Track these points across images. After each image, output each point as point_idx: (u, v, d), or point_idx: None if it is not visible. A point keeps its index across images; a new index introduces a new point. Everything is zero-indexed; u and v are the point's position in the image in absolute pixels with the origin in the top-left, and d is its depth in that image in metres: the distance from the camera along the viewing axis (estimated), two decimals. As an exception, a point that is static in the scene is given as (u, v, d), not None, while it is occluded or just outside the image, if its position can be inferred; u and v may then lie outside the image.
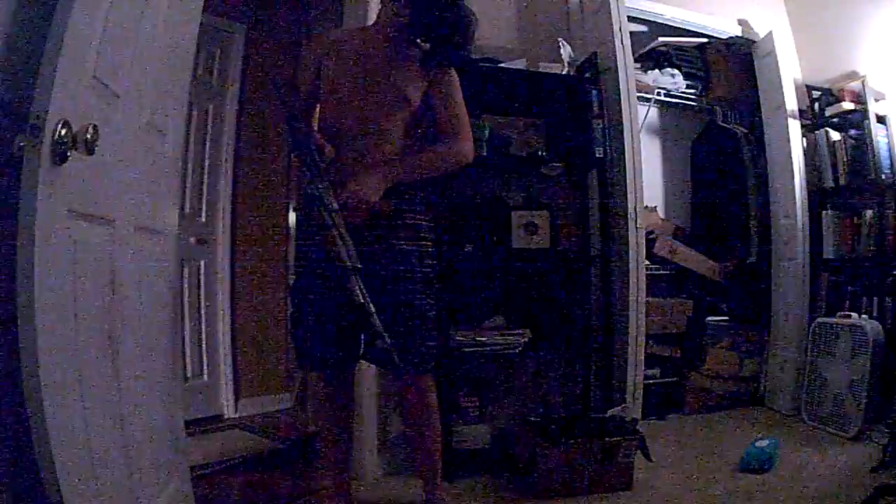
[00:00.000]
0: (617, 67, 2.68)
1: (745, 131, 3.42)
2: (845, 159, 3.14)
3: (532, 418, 2.30)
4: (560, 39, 2.67)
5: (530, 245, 2.56)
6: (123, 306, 1.25)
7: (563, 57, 2.62)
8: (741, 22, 3.38)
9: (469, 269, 2.53)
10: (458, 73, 1.81)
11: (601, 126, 2.60)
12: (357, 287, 1.54)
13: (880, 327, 2.71)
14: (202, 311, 3.17)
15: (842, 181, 3.17)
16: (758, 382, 3.27)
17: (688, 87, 3.45)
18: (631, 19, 2.89)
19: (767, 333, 3.28)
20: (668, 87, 3.38)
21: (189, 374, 3.05)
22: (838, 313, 2.90)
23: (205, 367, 3.16)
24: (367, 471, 2.29)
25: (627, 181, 2.65)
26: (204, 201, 3.21)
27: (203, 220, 3.22)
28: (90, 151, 0.97)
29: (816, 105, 3.31)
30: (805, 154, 3.21)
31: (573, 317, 2.65)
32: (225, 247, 3.27)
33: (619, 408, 2.41)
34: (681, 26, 3.27)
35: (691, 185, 3.61)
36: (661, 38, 3.29)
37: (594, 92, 2.60)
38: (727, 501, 2.03)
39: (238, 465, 2.41)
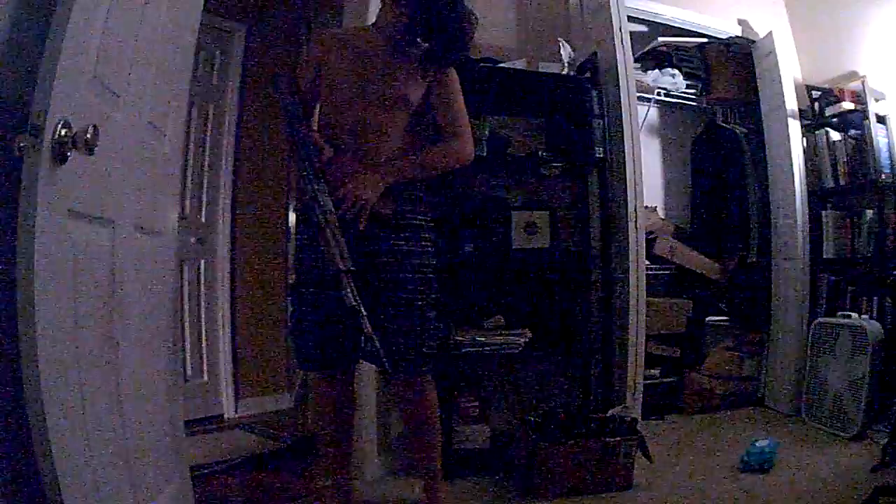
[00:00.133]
0: (617, 67, 2.68)
1: (745, 131, 3.42)
2: (845, 159, 3.14)
3: (532, 418, 2.29)
4: (560, 39, 2.67)
5: (530, 245, 2.56)
6: (123, 306, 1.25)
7: (563, 57, 2.62)
8: (741, 22, 3.38)
9: (469, 269, 2.52)
10: (457, 72, 1.81)
11: (601, 126, 2.60)
12: (349, 288, 1.54)
13: (880, 327, 2.72)
14: (202, 311, 3.17)
15: (842, 181, 3.16)
16: (758, 382, 3.27)
17: (688, 87, 3.45)
18: (631, 19, 2.89)
19: (767, 333, 3.28)
20: (668, 87, 3.38)
21: (189, 374, 3.05)
22: (838, 313, 2.90)
23: (205, 367, 3.16)
24: (367, 471, 2.29)
25: (627, 181, 2.65)
26: (204, 201, 3.21)
27: (203, 220, 3.22)
28: (90, 151, 0.97)
29: (816, 105, 3.31)
30: (805, 154, 3.20)
31: (573, 317, 2.65)
32: (225, 247, 3.27)
33: (620, 408, 2.41)
34: (681, 26, 3.27)
35: (691, 185, 3.62)
36: (661, 38, 3.29)
37: (594, 92, 2.60)
38: (727, 501, 2.03)
39: (238, 465, 2.41)
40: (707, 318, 3.34)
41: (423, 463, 1.86)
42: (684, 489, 2.13)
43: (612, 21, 2.69)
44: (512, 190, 2.68)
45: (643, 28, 3.27)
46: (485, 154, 2.41)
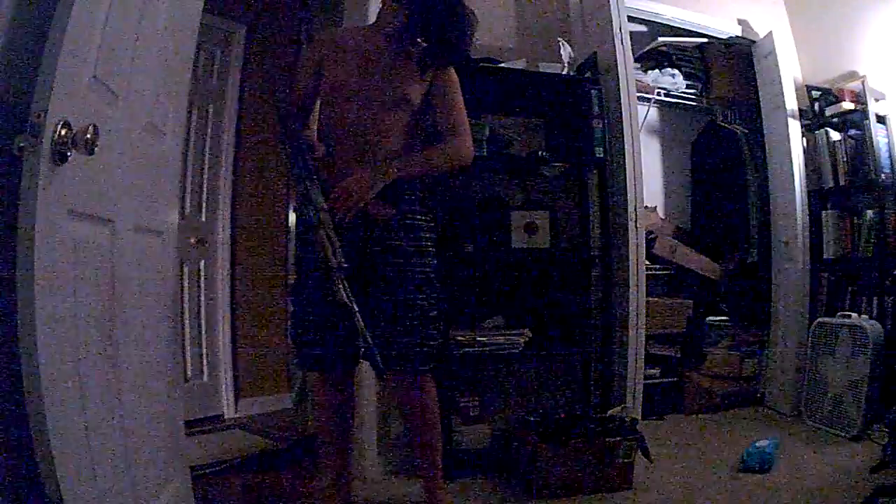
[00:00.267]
0: (617, 67, 2.68)
1: (745, 131, 3.42)
2: (845, 159, 3.14)
3: (532, 418, 2.29)
4: (560, 39, 2.67)
5: (530, 245, 2.56)
6: (123, 306, 1.25)
7: (563, 57, 2.62)
8: (741, 22, 3.38)
9: (469, 269, 2.52)
10: (457, 72, 1.81)
11: (601, 126, 2.60)
12: (341, 286, 1.55)
13: (880, 327, 2.72)
14: (202, 311, 3.17)
15: (842, 181, 3.16)
16: (758, 382, 3.27)
17: (688, 87, 3.45)
18: (631, 19, 2.89)
19: (767, 334, 3.28)
20: (668, 87, 3.38)
21: (189, 374, 3.05)
22: (838, 313, 2.91)
23: (205, 367, 3.17)
24: (367, 471, 2.29)
25: (627, 181, 2.65)
26: (204, 201, 3.21)
27: (203, 220, 3.22)
28: (90, 151, 0.97)
29: (816, 105, 3.31)
30: (805, 154, 3.21)
31: (573, 317, 2.65)
32: (225, 247, 3.28)
33: (619, 408, 2.41)
34: (681, 26, 3.27)
35: (691, 185, 3.62)
36: (661, 38, 3.29)
37: (594, 92, 2.60)
38: (727, 501, 2.03)
39: (238, 465, 2.41)
40: (707, 318, 3.34)
41: (423, 463, 1.86)
42: (684, 489, 2.13)
43: (612, 21, 2.69)
44: (512, 190, 2.68)
45: (643, 28, 3.27)
46: (485, 154, 2.41)
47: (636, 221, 2.65)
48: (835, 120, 3.23)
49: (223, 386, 3.23)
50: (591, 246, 2.66)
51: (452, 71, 1.79)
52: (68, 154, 0.94)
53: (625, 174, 2.65)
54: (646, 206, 2.90)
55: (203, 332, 3.17)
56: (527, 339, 2.41)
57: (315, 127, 1.88)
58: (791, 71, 3.29)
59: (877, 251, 2.98)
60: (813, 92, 3.33)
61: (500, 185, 2.66)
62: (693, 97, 3.48)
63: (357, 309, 1.55)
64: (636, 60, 3.13)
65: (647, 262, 2.90)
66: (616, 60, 2.68)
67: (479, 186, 2.61)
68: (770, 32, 3.26)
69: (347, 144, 1.71)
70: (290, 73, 1.87)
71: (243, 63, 3.34)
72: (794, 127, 3.17)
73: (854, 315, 2.80)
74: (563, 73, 2.62)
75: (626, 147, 2.65)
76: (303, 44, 3.27)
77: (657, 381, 3.09)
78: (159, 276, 1.51)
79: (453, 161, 1.77)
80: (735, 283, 3.37)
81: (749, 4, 3.43)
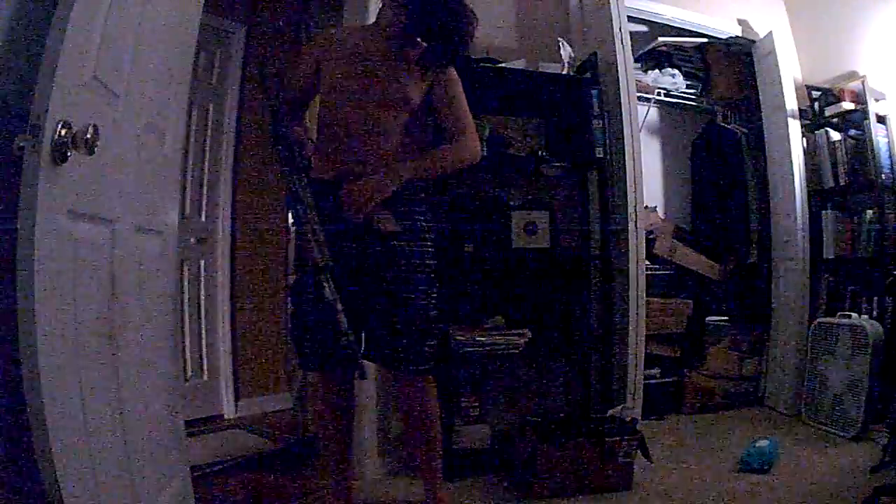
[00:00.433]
0: (617, 67, 2.68)
1: (745, 131, 3.42)
2: (845, 159, 3.14)
3: (532, 418, 2.29)
4: (560, 39, 2.67)
5: (530, 245, 2.56)
6: (123, 306, 1.24)
7: (563, 57, 2.62)
8: (741, 22, 3.38)
9: (469, 269, 2.52)
10: (457, 72, 1.81)
11: (601, 126, 2.60)
12: (326, 284, 1.55)
13: (880, 327, 2.71)
14: (202, 311, 3.17)
15: (842, 181, 3.16)
16: (758, 382, 3.27)
17: (688, 87, 3.45)
18: (631, 19, 2.89)
19: (767, 333, 3.28)
20: (668, 87, 3.38)
21: (189, 374, 3.05)
22: (838, 313, 2.90)
23: (205, 367, 3.17)
24: (367, 471, 2.29)
25: (627, 181, 2.65)
26: (204, 201, 3.21)
27: (203, 220, 3.22)
28: (90, 151, 0.97)
29: (816, 105, 3.31)
30: (805, 154, 3.20)
31: (573, 317, 2.65)
32: (225, 247, 3.27)
33: (619, 408, 2.41)
34: (681, 26, 3.27)
35: (691, 185, 3.62)
36: (661, 38, 3.29)
37: (594, 92, 2.60)
38: (727, 501, 2.03)
39: (238, 465, 2.41)
40: (707, 318, 3.34)
41: (423, 463, 1.86)
42: (684, 489, 2.13)
43: (612, 21, 2.69)
44: (512, 190, 2.68)
45: (643, 28, 3.27)
46: (485, 154, 2.41)
47: (636, 221, 2.65)
48: (835, 120, 3.23)
49: (223, 386, 3.22)
50: (591, 246, 2.66)
51: (453, 70, 1.79)
52: (68, 154, 0.94)
53: (625, 174, 2.65)
54: (646, 206, 2.90)
55: (203, 332, 3.17)
56: (527, 339, 2.41)
57: (307, 124, 1.88)
58: (791, 71, 3.29)
59: (877, 251, 2.98)
60: (813, 92, 3.34)
61: (500, 185, 2.66)
62: (693, 97, 3.48)
63: (341, 308, 1.55)
64: (636, 60, 3.13)
65: (647, 262, 2.89)
66: (616, 60, 2.68)
67: (480, 186, 2.61)
68: (770, 32, 3.26)
69: (346, 144, 1.71)
70: (283, 68, 1.87)
71: (243, 63, 3.34)
72: (794, 127, 3.17)
73: (854, 315, 2.80)
74: (563, 73, 2.62)
75: (626, 147, 2.65)
76: (303, 44, 3.27)
77: (657, 381, 3.09)
78: (159, 276, 1.51)
79: (463, 160, 1.78)
80: (735, 283, 3.36)
81: (749, 4, 3.43)
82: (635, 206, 2.66)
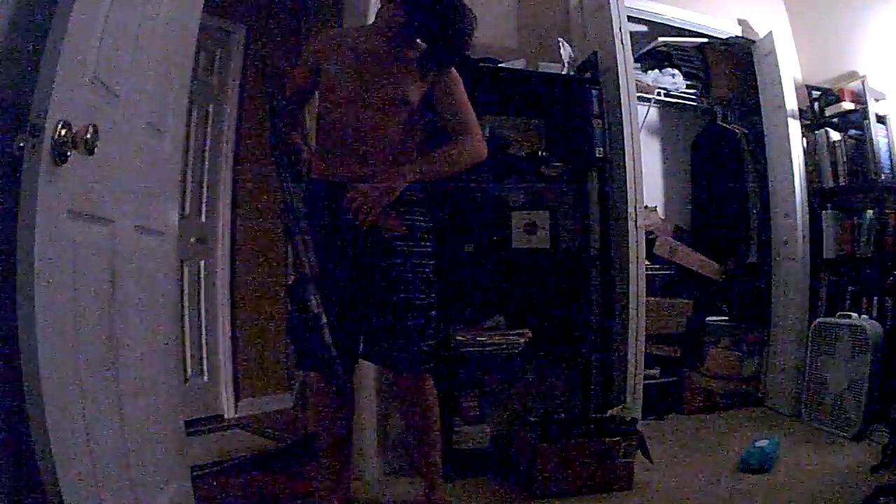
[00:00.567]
0: (617, 67, 2.68)
1: (745, 131, 3.42)
2: (845, 159, 3.14)
3: (532, 418, 2.29)
4: (560, 39, 2.67)
5: (530, 245, 2.56)
6: (123, 306, 1.24)
7: (563, 57, 2.62)
8: (741, 22, 3.38)
9: (469, 269, 2.52)
10: (457, 72, 1.81)
11: (601, 126, 2.60)
12: (312, 296, 1.56)
13: (880, 327, 2.71)
14: (202, 311, 3.17)
15: (842, 181, 3.16)
16: (758, 382, 3.27)
17: (688, 87, 3.45)
18: (631, 19, 2.89)
19: (767, 333, 3.28)
20: (668, 87, 3.37)
21: (189, 374, 3.05)
22: (838, 313, 2.90)
23: (205, 367, 3.16)
24: (367, 471, 2.29)
25: (627, 181, 2.65)
26: (204, 201, 3.21)
27: (203, 220, 3.22)
28: (90, 151, 0.97)
29: (816, 105, 3.31)
30: (805, 154, 3.20)
31: (573, 317, 2.65)
32: (225, 247, 3.27)
33: (619, 408, 2.41)
34: (681, 26, 3.27)
35: (691, 185, 3.61)
36: (661, 38, 3.29)
37: (594, 92, 2.60)
38: (727, 501, 2.03)
39: (238, 465, 2.41)
40: (707, 318, 3.34)
41: (423, 462, 1.87)
42: (684, 489, 2.13)
43: (612, 21, 2.69)
44: (512, 190, 2.67)
45: (643, 28, 3.27)
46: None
47: (636, 221, 2.65)
48: (835, 120, 3.23)
49: (223, 386, 3.22)
50: (591, 246, 2.65)
51: (453, 70, 1.79)
52: (68, 154, 0.94)
53: (625, 174, 2.65)
54: (646, 206, 2.90)
55: (203, 332, 3.17)
56: (527, 339, 2.41)
57: (307, 128, 1.88)
58: (791, 71, 3.28)
59: (877, 251, 2.98)
60: (813, 92, 3.33)
61: (500, 185, 2.66)
62: (693, 97, 3.47)
63: (325, 321, 1.56)
64: (636, 60, 3.13)
65: (647, 262, 2.89)
66: (616, 60, 2.68)
67: (479, 186, 2.61)
68: (770, 32, 3.26)
69: (346, 144, 1.72)
70: (285, 69, 1.87)
71: (243, 63, 3.34)
72: (794, 127, 3.17)
73: (854, 315, 2.80)
74: (563, 73, 2.62)
75: (626, 147, 2.65)
76: (303, 44, 3.27)
77: (657, 381, 3.09)
78: (159, 276, 1.51)
79: (468, 160, 1.78)
80: (735, 283, 3.36)
81: (749, 4, 3.43)
82: (635, 206, 2.66)
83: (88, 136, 0.96)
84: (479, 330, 2.41)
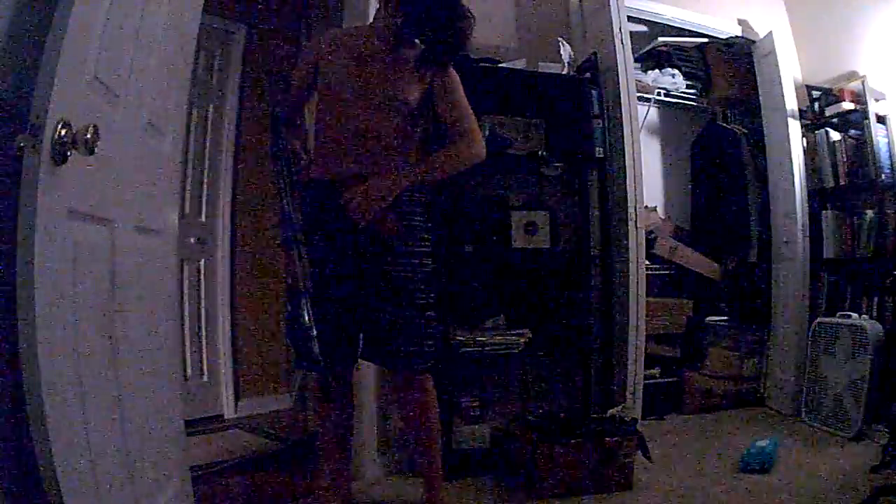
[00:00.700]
0: (617, 67, 2.68)
1: (745, 131, 3.42)
2: (845, 159, 3.14)
3: (532, 418, 2.29)
4: (560, 39, 2.67)
5: (530, 245, 2.56)
6: (123, 306, 1.24)
7: (563, 57, 2.62)
8: (741, 22, 3.38)
9: (469, 269, 2.52)
10: (457, 72, 1.81)
11: (601, 126, 2.60)
12: (305, 309, 1.56)
13: (880, 327, 2.71)
14: (202, 311, 3.17)
15: (842, 181, 3.16)
16: (758, 382, 3.27)
17: (688, 87, 3.45)
18: (631, 19, 2.89)
19: (767, 333, 3.28)
20: (668, 87, 3.38)
21: (189, 374, 3.05)
22: (838, 313, 2.90)
23: (205, 367, 3.16)
24: (367, 471, 2.29)
25: (627, 181, 2.65)
26: (204, 201, 3.21)
27: (203, 220, 3.22)
28: (90, 151, 0.97)
29: (816, 105, 3.31)
30: (805, 154, 3.20)
31: (573, 317, 2.65)
32: (225, 247, 3.27)
33: (619, 408, 2.41)
34: (681, 26, 3.27)
35: (691, 185, 3.62)
36: (661, 38, 3.29)
37: (594, 92, 2.60)
38: (727, 501, 2.03)
39: (238, 465, 2.41)
40: (707, 318, 3.34)
41: (423, 462, 1.86)
42: (684, 489, 2.13)
43: (612, 21, 2.69)
44: (512, 190, 2.68)
45: (643, 28, 3.27)
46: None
47: (636, 221, 2.66)
48: (835, 120, 3.23)
49: (223, 386, 3.22)
50: (591, 246, 2.65)
51: (453, 70, 1.79)
52: (68, 154, 0.94)
53: (625, 174, 2.65)
54: (646, 206, 2.90)
55: (203, 332, 3.17)
56: (527, 339, 2.41)
57: (305, 135, 1.88)
58: (791, 71, 3.29)
59: (877, 251, 2.98)
60: (813, 92, 3.33)
61: (500, 185, 2.66)
62: (693, 97, 3.48)
63: (315, 334, 1.56)
64: (636, 60, 3.13)
65: (647, 262, 2.90)
66: (616, 60, 2.68)
67: (480, 186, 2.61)
68: (770, 32, 3.26)
69: (344, 145, 1.71)
70: (288, 74, 1.87)
71: (243, 63, 3.34)
72: (794, 127, 3.17)
73: (854, 315, 2.80)
74: (563, 73, 2.62)
75: (626, 147, 2.65)
76: (303, 44, 3.27)
77: (657, 381, 3.09)
78: (159, 276, 1.51)
79: (467, 162, 1.78)
80: (735, 283, 3.36)
81: (749, 4, 3.43)
82: (635, 206, 2.66)
83: (88, 136, 0.96)
84: (479, 330, 2.41)
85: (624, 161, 2.65)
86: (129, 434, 1.25)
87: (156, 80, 1.39)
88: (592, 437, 2.12)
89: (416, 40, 1.74)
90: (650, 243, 3.10)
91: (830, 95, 3.26)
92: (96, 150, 0.98)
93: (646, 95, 3.24)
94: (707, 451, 2.53)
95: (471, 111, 1.80)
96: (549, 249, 2.59)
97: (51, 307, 0.94)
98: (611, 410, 2.39)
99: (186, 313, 3.02)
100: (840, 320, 2.81)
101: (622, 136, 2.66)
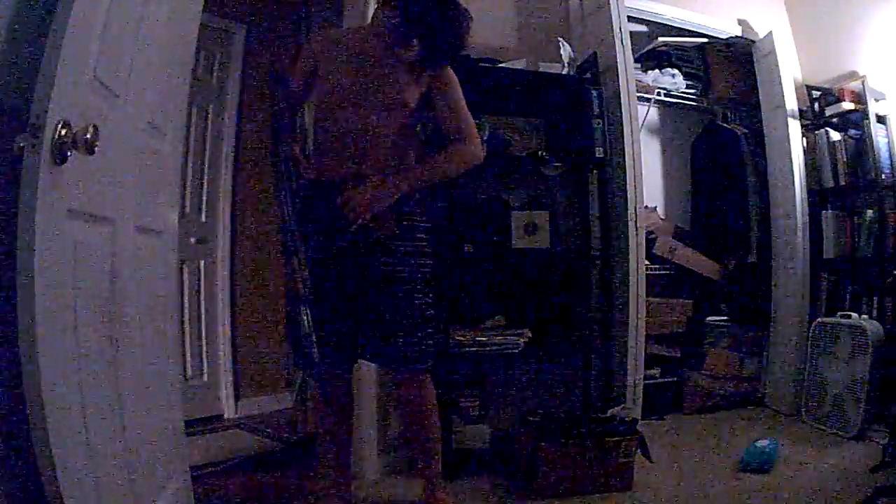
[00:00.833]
0: (617, 67, 2.68)
1: (745, 131, 3.42)
2: (845, 159, 3.14)
3: (532, 418, 2.29)
4: (560, 39, 2.67)
5: (530, 245, 2.56)
6: (123, 307, 1.25)
7: (563, 57, 2.62)
8: (741, 22, 3.38)
9: (469, 269, 2.52)
10: (457, 73, 1.81)
11: (601, 126, 2.60)
12: (305, 317, 1.56)
13: (880, 327, 2.71)
14: (202, 311, 3.17)
15: (842, 181, 3.16)
16: (758, 382, 3.27)
17: (688, 87, 3.45)
18: (631, 19, 2.89)
19: (767, 333, 3.28)
20: (668, 87, 3.37)
21: (189, 374, 3.05)
22: (838, 313, 2.90)
23: (205, 367, 3.16)
24: (367, 471, 2.29)
25: (627, 181, 2.65)
26: (204, 201, 3.21)
27: (203, 220, 3.22)
28: (90, 151, 0.97)
29: (816, 105, 3.31)
30: (805, 154, 3.20)
31: (573, 317, 2.65)
32: (225, 247, 3.27)
33: (619, 408, 2.41)
34: (681, 26, 3.27)
35: (691, 185, 3.61)
36: (661, 38, 3.29)
37: (594, 92, 2.60)
38: (727, 501, 2.03)
39: (238, 465, 2.41)
40: (707, 318, 3.34)
41: (422, 463, 1.87)
42: (684, 489, 2.13)
43: (612, 21, 2.69)
44: (512, 190, 2.68)
45: (643, 28, 3.27)
46: (485, 154, 2.40)
47: (636, 221, 2.65)
48: (835, 120, 3.23)
49: (223, 386, 3.22)
50: (591, 246, 2.65)
51: (451, 72, 1.79)
52: (68, 154, 0.94)
53: (625, 174, 2.65)
54: (646, 206, 2.90)
55: (203, 332, 3.17)
56: (527, 339, 2.41)
57: (304, 137, 1.89)
58: (791, 71, 3.28)
59: (877, 251, 2.98)
60: (813, 92, 3.33)
61: (500, 185, 2.66)
62: (693, 97, 3.47)
63: (314, 340, 1.56)
64: (636, 60, 3.13)
65: (647, 262, 2.89)
66: (616, 60, 2.68)
67: (480, 186, 2.61)
68: (770, 32, 3.26)
69: (342, 146, 1.71)
70: (288, 75, 1.87)
71: (243, 63, 3.34)
72: (794, 127, 3.17)
73: (854, 315, 2.80)
74: (563, 73, 2.62)
75: (626, 147, 2.65)
76: (302, 44, 3.27)
77: (657, 381, 3.09)
78: (159, 276, 1.51)
79: (465, 164, 1.78)
80: (735, 283, 3.36)
81: (749, 4, 3.43)
82: (635, 206, 2.66)
83: (88, 136, 0.96)
84: (479, 330, 2.41)
85: (624, 161, 2.65)
86: (129, 434, 1.25)
87: (156, 80, 1.39)
88: (592, 437, 2.12)
89: (414, 41, 1.74)
90: (650, 243, 3.09)
91: (830, 95, 3.26)
92: (96, 149, 0.98)
93: (646, 95, 3.24)
94: (707, 451, 2.53)
95: (468, 113, 1.80)
96: (549, 249, 2.59)
97: (51, 307, 0.94)
98: (611, 410, 2.39)
99: (186, 313, 3.02)
100: (840, 320, 2.81)
101: (622, 136, 2.66)
